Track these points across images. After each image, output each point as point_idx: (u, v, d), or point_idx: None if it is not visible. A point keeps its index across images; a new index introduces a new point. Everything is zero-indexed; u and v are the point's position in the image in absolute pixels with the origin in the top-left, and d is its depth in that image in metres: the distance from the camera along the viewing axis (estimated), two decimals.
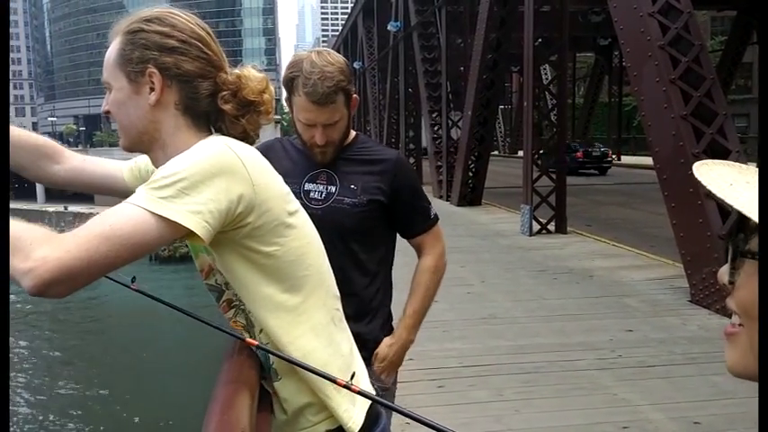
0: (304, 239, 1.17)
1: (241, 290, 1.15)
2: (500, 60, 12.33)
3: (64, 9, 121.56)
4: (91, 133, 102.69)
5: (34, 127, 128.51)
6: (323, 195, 1.78)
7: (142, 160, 1.38)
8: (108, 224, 0.92)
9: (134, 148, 1.18)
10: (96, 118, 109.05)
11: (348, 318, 1.30)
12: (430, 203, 1.92)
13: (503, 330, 4.93)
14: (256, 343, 1.14)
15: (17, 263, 0.86)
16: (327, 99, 1.67)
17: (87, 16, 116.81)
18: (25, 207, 34.10)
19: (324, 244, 1.25)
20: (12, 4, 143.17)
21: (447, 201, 14.01)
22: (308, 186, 1.79)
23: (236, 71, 1.19)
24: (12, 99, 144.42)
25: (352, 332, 1.31)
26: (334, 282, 1.27)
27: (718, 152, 5.38)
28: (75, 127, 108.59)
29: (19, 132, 1.36)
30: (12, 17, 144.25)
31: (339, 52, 2.01)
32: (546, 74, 19.28)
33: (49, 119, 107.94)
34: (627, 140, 31.15)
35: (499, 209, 12.71)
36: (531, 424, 3.34)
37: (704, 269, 5.36)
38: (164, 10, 1.16)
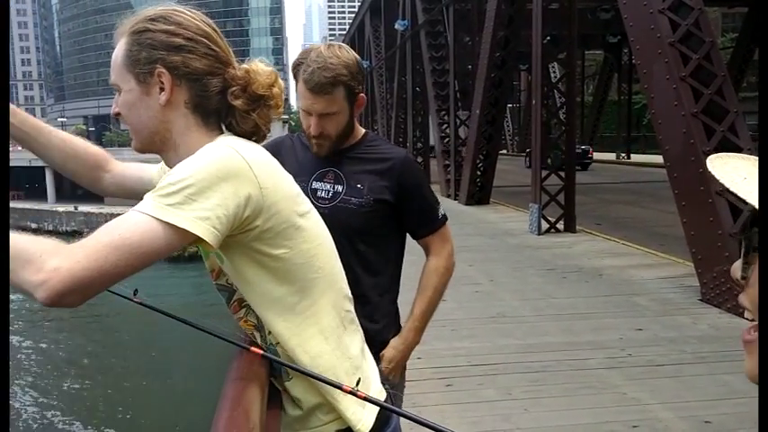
0: (315, 241, 1.16)
1: (249, 293, 1.14)
2: (508, 59, 12.28)
3: (72, 10, 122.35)
4: (100, 133, 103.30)
5: None
6: (330, 194, 1.77)
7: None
8: (117, 233, 0.92)
9: (146, 149, 1.18)
10: (106, 118, 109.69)
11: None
12: (439, 203, 1.91)
13: (511, 329, 4.91)
14: (261, 352, 1.14)
15: (29, 275, 0.86)
16: (322, 88, 1.67)
17: (96, 17, 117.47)
18: (36, 207, 34.38)
19: None
20: (21, 6, 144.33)
21: (455, 200, 13.99)
22: (315, 185, 1.79)
23: (245, 66, 1.18)
24: (22, 100, 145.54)
25: None
26: (347, 283, 1.26)
27: (729, 150, 5.27)
28: (84, 127, 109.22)
29: (78, 141, 1.40)
30: (21, 18, 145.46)
31: None
32: (554, 72, 19.26)
33: (59, 119, 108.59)
34: (637, 138, 30.97)
35: (508, 208, 12.68)
36: (539, 423, 3.33)
37: (715, 268, 5.32)
38: (167, 8, 1.15)
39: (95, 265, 0.88)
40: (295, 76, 1.73)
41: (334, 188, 1.78)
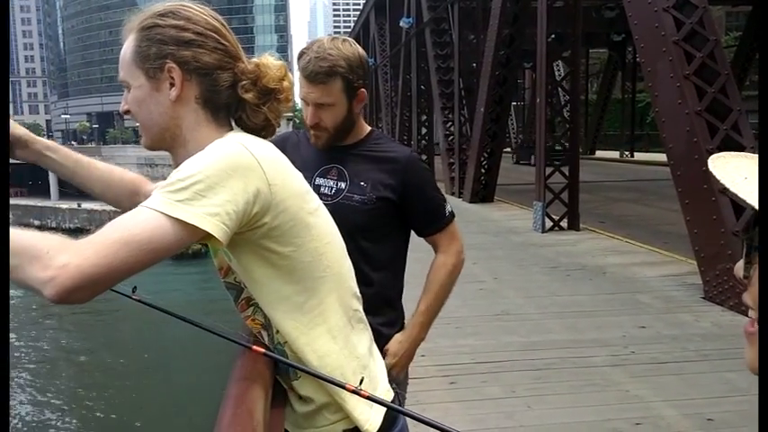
0: (323, 239, 1.16)
1: (257, 291, 1.14)
2: (513, 57, 12.27)
3: (76, 6, 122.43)
4: (104, 130, 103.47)
5: (48, 125, 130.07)
6: (333, 191, 1.77)
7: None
8: (126, 229, 0.91)
9: (156, 146, 1.17)
10: (109, 115, 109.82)
11: None
12: (445, 201, 1.90)
13: (515, 327, 4.93)
14: (263, 351, 1.13)
15: (36, 272, 0.86)
16: (317, 77, 1.68)
17: (100, 14, 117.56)
18: (40, 204, 34.48)
19: None
20: (24, 2, 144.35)
21: (459, 197, 13.99)
22: (318, 181, 1.79)
23: (255, 60, 1.18)
24: (25, 96, 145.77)
25: None
26: (355, 281, 1.26)
27: (732, 148, 5.31)
28: (88, 124, 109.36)
29: (116, 170, 1.41)
30: (25, 15, 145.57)
31: None
32: (559, 70, 19.16)
33: (63, 116, 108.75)
34: (640, 137, 30.85)
35: (512, 205, 12.67)
36: (543, 420, 3.35)
37: (718, 266, 5.33)
38: (176, 4, 1.14)
39: (104, 262, 0.87)
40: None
41: (337, 185, 1.78)
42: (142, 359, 13.04)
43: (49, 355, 14.45)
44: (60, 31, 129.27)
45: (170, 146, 1.16)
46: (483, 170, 13.14)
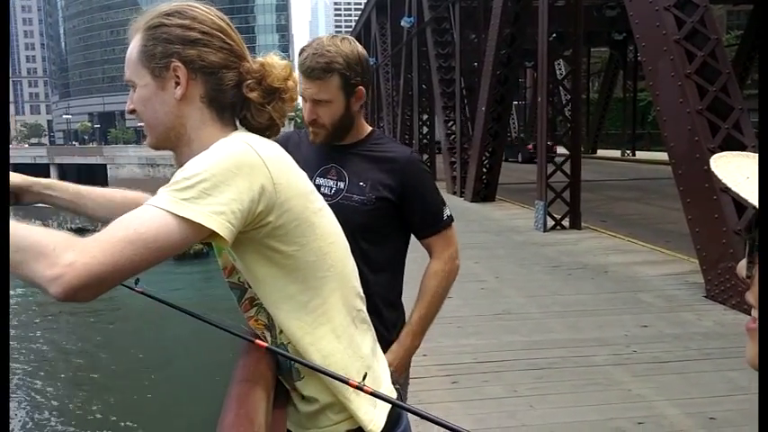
0: (327, 239, 1.16)
1: (261, 290, 1.14)
2: (514, 56, 12.27)
3: (78, 6, 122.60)
4: (105, 130, 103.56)
5: (49, 125, 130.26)
6: (332, 191, 1.77)
7: None
8: (132, 228, 0.91)
9: (161, 145, 1.17)
10: (111, 115, 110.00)
11: None
12: (445, 204, 1.88)
13: (517, 326, 4.93)
14: (266, 345, 1.13)
15: (42, 269, 0.86)
16: (313, 73, 1.69)
17: (101, 14, 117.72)
18: (41, 204, 34.54)
19: None
20: (26, 2, 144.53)
21: (461, 197, 13.99)
22: (318, 181, 1.79)
23: (259, 59, 1.18)
24: (27, 96, 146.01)
25: None
26: (359, 281, 1.26)
27: (733, 147, 5.32)
28: (89, 124, 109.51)
29: (117, 193, 1.41)
30: (26, 15, 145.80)
31: None
32: (560, 69, 19.20)
33: (64, 116, 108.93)
34: (642, 136, 30.83)
35: (513, 205, 12.67)
36: (545, 420, 3.35)
37: (719, 265, 5.33)
38: (182, 3, 1.14)
39: (110, 260, 0.87)
40: None
41: (336, 185, 1.78)
42: (142, 359, 13.04)
43: (46, 355, 14.44)
44: (62, 31, 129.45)
45: (174, 145, 1.16)
46: (484, 169, 13.14)
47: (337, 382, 1.13)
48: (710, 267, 5.49)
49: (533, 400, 3.58)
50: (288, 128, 1.95)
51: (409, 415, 1.36)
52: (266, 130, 1.17)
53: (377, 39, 27.35)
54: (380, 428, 1.18)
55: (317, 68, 1.69)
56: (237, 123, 1.18)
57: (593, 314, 5.22)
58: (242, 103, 1.16)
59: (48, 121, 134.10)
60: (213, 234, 0.96)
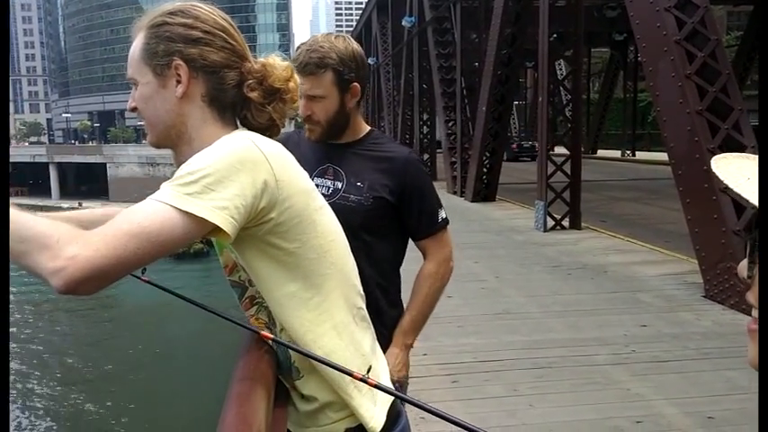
0: (328, 237, 1.16)
1: (263, 287, 1.14)
2: (515, 56, 12.27)
3: (77, 5, 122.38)
4: (105, 129, 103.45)
5: (48, 123, 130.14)
6: (329, 191, 1.77)
7: None
8: (135, 222, 0.92)
9: (161, 143, 1.18)
10: (110, 114, 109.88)
11: None
12: (441, 206, 1.88)
13: (517, 326, 4.95)
14: (272, 336, 1.14)
15: (45, 261, 0.86)
16: (306, 68, 1.70)
17: (101, 12, 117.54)
18: (40, 203, 34.58)
19: None
20: (25, 0, 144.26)
21: (461, 196, 14.00)
22: (315, 181, 1.78)
23: (261, 60, 1.19)
24: (26, 95, 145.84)
25: None
26: (359, 280, 1.27)
27: (733, 148, 5.34)
28: (89, 123, 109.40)
29: (94, 214, 1.35)
30: (26, 13, 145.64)
31: None
32: (561, 69, 19.20)
33: (64, 115, 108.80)
34: (642, 136, 30.82)
35: (513, 204, 12.68)
36: (545, 419, 3.36)
37: (718, 265, 5.34)
38: (186, 3, 1.15)
39: (113, 254, 0.88)
40: None
41: (334, 185, 1.78)
42: (141, 357, 13.03)
43: (39, 353, 14.42)
44: (61, 30, 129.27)
45: (175, 144, 1.16)
46: (485, 169, 13.15)
47: (339, 379, 1.14)
48: (709, 267, 5.50)
49: (533, 399, 3.60)
50: (289, 127, 1.97)
51: (408, 414, 1.38)
52: (266, 130, 1.18)
53: (378, 38, 27.34)
54: (381, 425, 1.19)
55: (309, 63, 1.70)
56: (238, 123, 1.19)
57: (592, 314, 5.24)
58: (242, 102, 1.17)
59: (47, 119, 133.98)
60: (216, 229, 0.97)
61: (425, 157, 18.68)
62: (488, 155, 13.00)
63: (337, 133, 1.81)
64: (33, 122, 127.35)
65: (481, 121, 12.82)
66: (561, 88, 11.49)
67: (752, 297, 0.51)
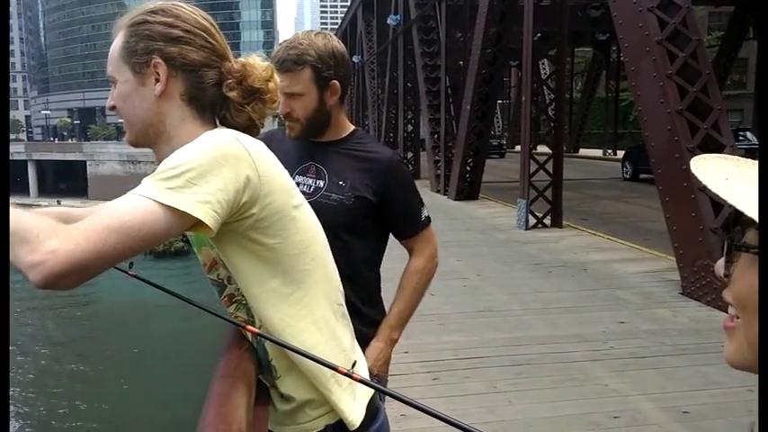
0: (308, 233, 1.17)
1: (242, 283, 1.14)
2: (499, 55, 12.31)
3: (58, 0, 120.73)
4: (85, 127, 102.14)
5: (27, 120, 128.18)
6: (311, 189, 1.77)
7: None
8: (116, 216, 0.91)
9: (140, 142, 1.18)
10: (91, 111, 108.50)
11: None
12: (423, 205, 1.89)
13: (498, 323, 4.98)
14: (257, 330, 1.13)
15: (24, 254, 0.86)
16: (284, 65, 1.70)
17: (82, 8, 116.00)
18: (19, 201, 34.08)
19: None
20: None
21: (445, 195, 14.04)
22: (297, 179, 1.78)
23: (241, 60, 1.20)
24: None
25: None
26: (338, 276, 1.28)
27: (712, 147, 5.42)
28: (69, 120, 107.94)
29: (58, 211, 1.36)
30: None
31: None
32: (544, 68, 19.30)
33: (43, 112, 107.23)
34: (623, 135, 31.12)
35: (496, 203, 12.75)
36: (524, 414, 3.40)
37: (696, 262, 5.42)
38: (167, 2, 1.16)
39: (94, 248, 0.87)
40: None
41: (315, 183, 1.78)
42: (123, 356, 12.91)
43: (37, 351, 14.25)
44: (41, 26, 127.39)
45: (153, 142, 1.16)
46: (468, 168, 13.20)
47: (319, 373, 1.14)
48: (687, 265, 5.58)
49: (513, 395, 3.63)
50: (272, 125, 1.95)
51: (389, 411, 1.38)
52: (245, 130, 1.18)
53: (363, 36, 27.29)
54: (360, 420, 1.20)
55: (287, 60, 1.70)
56: (217, 122, 1.19)
57: (572, 311, 5.29)
58: (222, 102, 1.17)
59: (26, 116, 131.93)
60: (198, 224, 0.97)
61: (409, 155, 18.72)
62: (472, 153, 13.05)
63: (318, 131, 1.80)
64: (12, 119, 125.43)
65: (465, 119, 12.86)
66: (545, 87, 11.56)
67: (728, 295, 0.52)
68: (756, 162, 0.54)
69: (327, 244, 1.25)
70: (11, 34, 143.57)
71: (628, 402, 3.51)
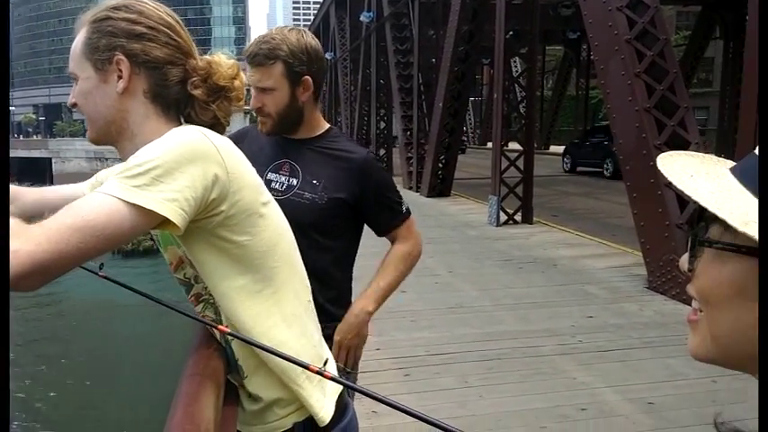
0: (276, 230, 1.16)
1: (210, 281, 1.13)
2: (472, 53, 12.38)
3: None
4: (51, 123, 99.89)
5: None
6: (283, 187, 1.75)
7: (103, 174, 1.37)
8: (80, 215, 0.89)
9: (102, 139, 1.16)
10: (57, 107, 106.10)
11: None
12: (401, 198, 1.87)
13: (469, 319, 5.01)
14: (228, 329, 1.12)
15: None
16: (255, 59, 1.69)
17: (49, 2, 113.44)
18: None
19: None
20: None
21: (417, 192, 14.08)
22: (270, 176, 1.76)
23: (207, 57, 1.18)
24: None
25: None
26: (306, 273, 1.27)
27: (678, 144, 5.53)
28: (34, 116, 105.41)
29: (60, 191, 1.39)
30: None
31: None
32: (516, 66, 19.44)
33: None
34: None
35: (468, 200, 12.83)
36: (494, 409, 3.43)
37: (662, 257, 5.53)
38: None
39: (56, 248, 0.85)
40: None
41: (288, 181, 1.76)
42: (89, 355, 12.69)
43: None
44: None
45: (116, 140, 1.15)
46: (441, 165, 13.25)
47: (289, 370, 1.13)
48: (653, 260, 5.69)
49: (483, 390, 3.66)
50: (243, 122, 1.93)
51: (360, 408, 1.37)
52: (210, 128, 1.16)
53: (336, 33, 27.18)
54: (330, 416, 1.20)
55: (259, 54, 1.69)
56: (182, 121, 1.18)
57: (542, 306, 5.35)
58: (187, 100, 1.16)
59: None
60: (165, 222, 0.96)
61: (382, 152, 18.73)
62: (444, 150, 13.10)
63: (290, 127, 1.78)
64: None
65: (437, 116, 12.91)
66: (516, 85, 11.65)
67: (692, 289, 0.53)
68: (722, 159, 0.55)
69: (294, 241, 1.25)
70: None
71: (595, 395, 3.56)
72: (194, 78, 1.15)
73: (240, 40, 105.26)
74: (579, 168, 18.43)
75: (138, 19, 1.11)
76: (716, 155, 0.57)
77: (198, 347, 1.16)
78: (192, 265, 1.16)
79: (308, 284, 1.28)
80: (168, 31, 1.13)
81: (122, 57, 1.09)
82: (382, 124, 19.50)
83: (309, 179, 1.75)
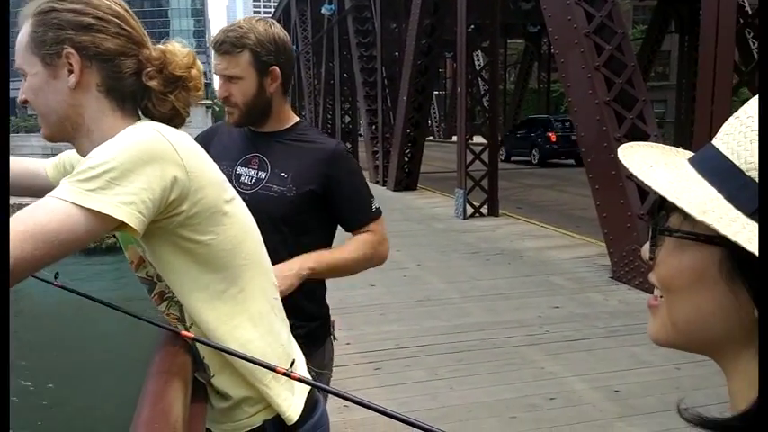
0: (242, 228, 1.14)
1: (174, 281, 1.10)
2: (434, 46, 12.42)
3: None
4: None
5: None
6: (252, 180, 1.72)
7: (67, 156, 1.33)
8: (32, 221, 0.87)
9: (56, 136, 1.12)
10: (11, 103, 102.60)
11: None
12: (372, 197, 1.82)
13: (438, 311, 5.05)
14: (192, 335, 1.10)
15: None
16: (222, 47, 1.67)
17: None
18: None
19: None
20: None
21: (383, 186, 14.09)
22: (239, 170, 1.74)
23: (161, 47, 1.14)
24: None
25: None
26: (273, 272, 1.26)
27: (638, 136, 5.65)
28: None
29: (27, 165, 1.38)
30: None
31: None
32: (479, 60, 19.61)
33: None
34: None
35: (434, 193, 12.90)
36: (465, 400, 3.47)
37: (625, 247, 5.66)
38: None
39: (9, 256, 0.82)
40: None
41: (257, 174, 1.73)
42: (53, 356, 12.38)
43: None
44: None
45: (72, 136, 1.11)
46: (406, 158, 13.28)
47: (255, 369, 1.11)
48: (616, 250, 5.82)
49: (453, 382, 3.70)
50: (205, 117, 1.90)
51: (331, 403, 1.37)
52: (170, 120, 1.13)
53: (297, 26, 26.92)
54: (298, 414, 1.19)
55: (226, 42, 1.67)
56: (140, 113, 1.14)
57: (509, 297, 5.43)
58: (143, 92, 1.12)
59: None
60: (122, 225, 0.93)
61: (347, 146, 18.64)
62: (410, 144, 13.14)
63: (258, 119, 1.75)
64: None
65: (402, 110, 12.92)
66: (479, 79, 11.75)
67: (653, 277, 0.54)
68: (681, 150, 0.56)
69: (261, 238, 1.22)
70: None
71: (563, 384, 3.63)
72: (149, 69, 1.10)
73: (199, 32, 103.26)
74: (513, 158, 20.18)
75: (84, 9, 1.06)
76: (674, 146, 0.58)
77: (164, 344, 1.13)
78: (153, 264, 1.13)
79: (276, 282, 1.26)
80: (118, 21, 1.08)
81: (72, 50, 1.05)
82: (347, 118, 19.43)
83: (278, 172, 1.72)
